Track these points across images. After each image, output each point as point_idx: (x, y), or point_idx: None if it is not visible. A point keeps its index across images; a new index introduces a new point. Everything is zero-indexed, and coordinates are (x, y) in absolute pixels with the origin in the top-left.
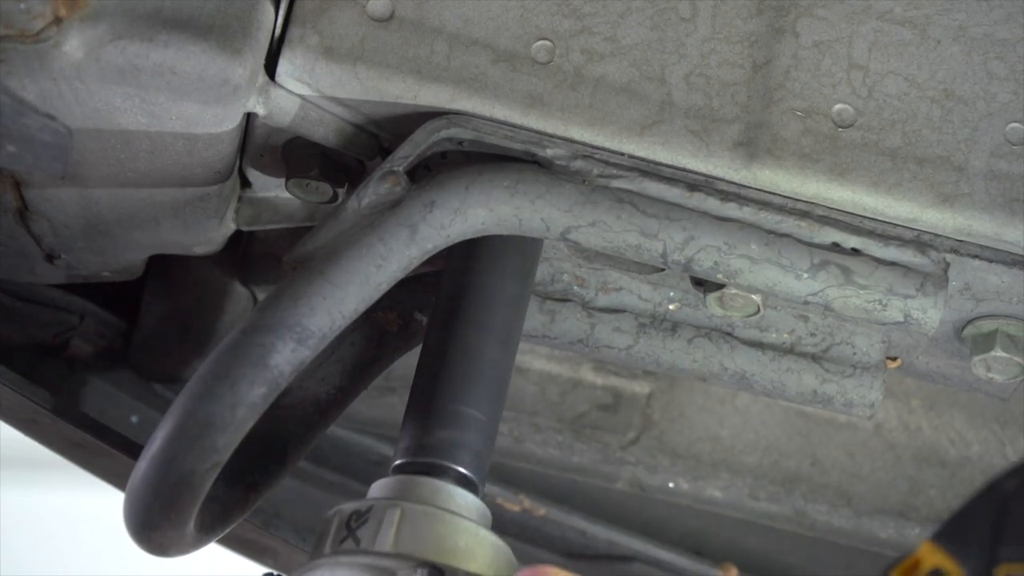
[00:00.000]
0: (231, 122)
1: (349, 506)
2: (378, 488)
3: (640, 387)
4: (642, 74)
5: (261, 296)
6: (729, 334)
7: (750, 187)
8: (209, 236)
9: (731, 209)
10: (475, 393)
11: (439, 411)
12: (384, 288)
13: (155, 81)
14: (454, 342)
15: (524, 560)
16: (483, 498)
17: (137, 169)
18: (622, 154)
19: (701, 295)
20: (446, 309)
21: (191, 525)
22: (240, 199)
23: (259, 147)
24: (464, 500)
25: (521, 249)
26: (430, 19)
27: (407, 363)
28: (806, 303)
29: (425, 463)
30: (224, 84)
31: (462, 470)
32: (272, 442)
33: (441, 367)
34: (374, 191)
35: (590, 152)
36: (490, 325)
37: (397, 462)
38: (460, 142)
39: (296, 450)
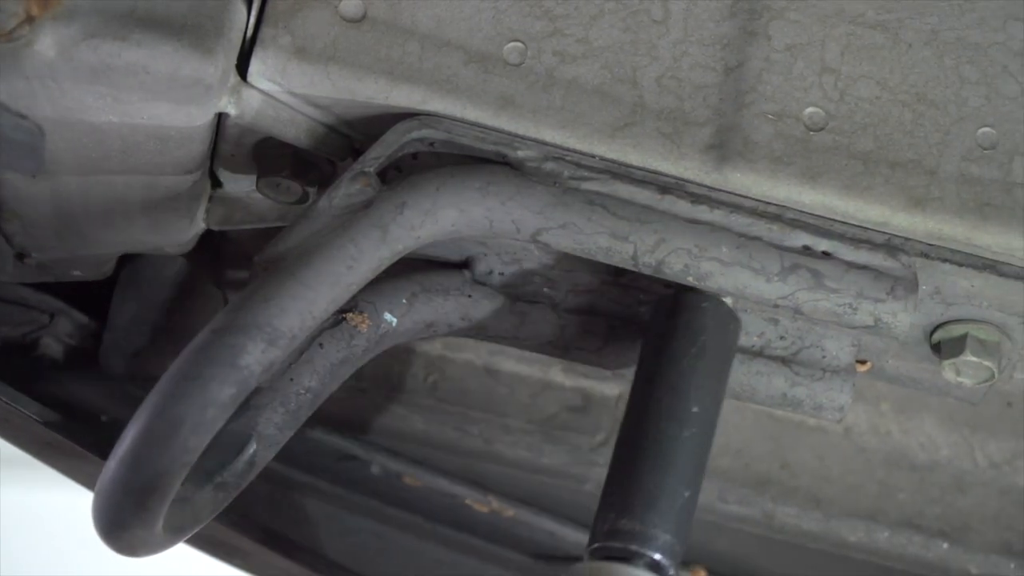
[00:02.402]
0: (203, 121)
1: None
2: (573, 573)
3: (610, 389)
4: (614, 76)
5: (232, 296)
6: None
7: (721, 190)
8: (180, 235)
9: (702, 212)
10: (672, 479)
11: (636, 497)
12: (355, 289)
13: (128, 80)
14: (652, 426)
15: (490, 560)
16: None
17: (109, 168)
18: (594, 156)
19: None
20: (645, 389)
21: (160, 525)
22: (211, 199)
23: (230, 147)
24: None
25: (723, 326)
26: (402, 20)
27: (378, 364)
28: (776, 306)
29: (621, 549)
30: (196, 84)
31: (656, 557)
32: (241, 442)
33: (639, 451)
34: (345, 192)
35: (561, 154)
36: (689, 409)
37: (593, 546)
38: (432, 143)
39: (266, 450)
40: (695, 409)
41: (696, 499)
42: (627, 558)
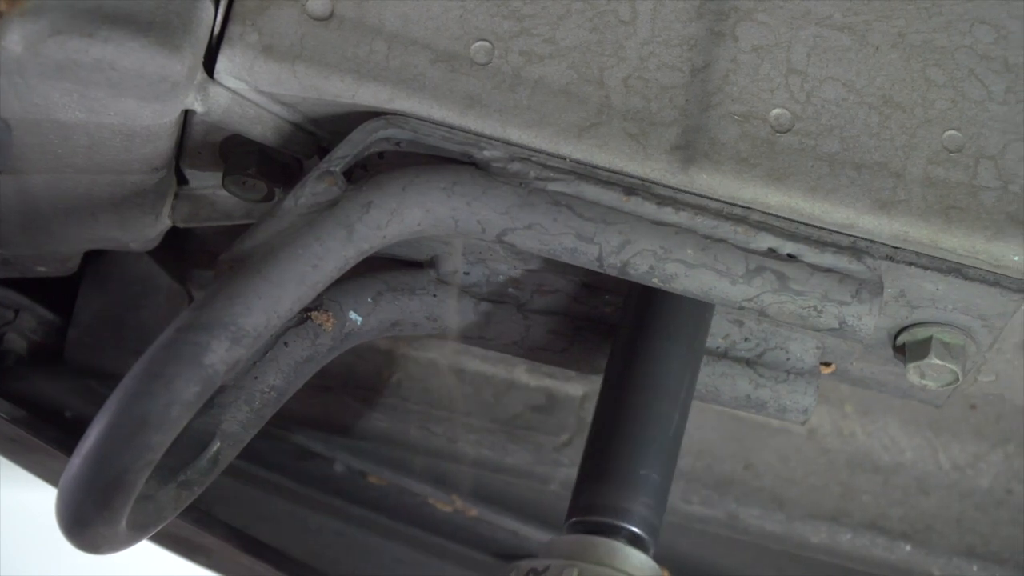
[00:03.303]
0: (169, 118)
1: (526, 564)
2: (554, 546)
3: (574, 389)
4: (581, 76)
5: (197, 294)
6: None
7: (687, 191)
8: (145, 232)
9: (667, 214)
10: (648, 454)
11: (613, 471)
12: (320, 288)
13: (95, 77)
14: (629, 402)
15: (453, 559)
16: (653, 556)
17: (75, 164)
18: (560, 156)
19: None
20: (621, 369)
21: (123, 522)
22: (177, 196)
23: (197, 144)
24: (637, 560)
25: (695, 312)
26: (370, 19)
27: (342, 362)
28: (741, 308)
29: (600, 522)
30: (163, 81)
31: (635, 530)
32: (205, 441)
33: (616, 427)
34: (311, 191)
35: (527, 154)
36: (664, 387)
37: (572, 520)
38: (398, 142)
39: (230, 448)
40: (672, 387)
41: (670, 480)
42: (606, 531)
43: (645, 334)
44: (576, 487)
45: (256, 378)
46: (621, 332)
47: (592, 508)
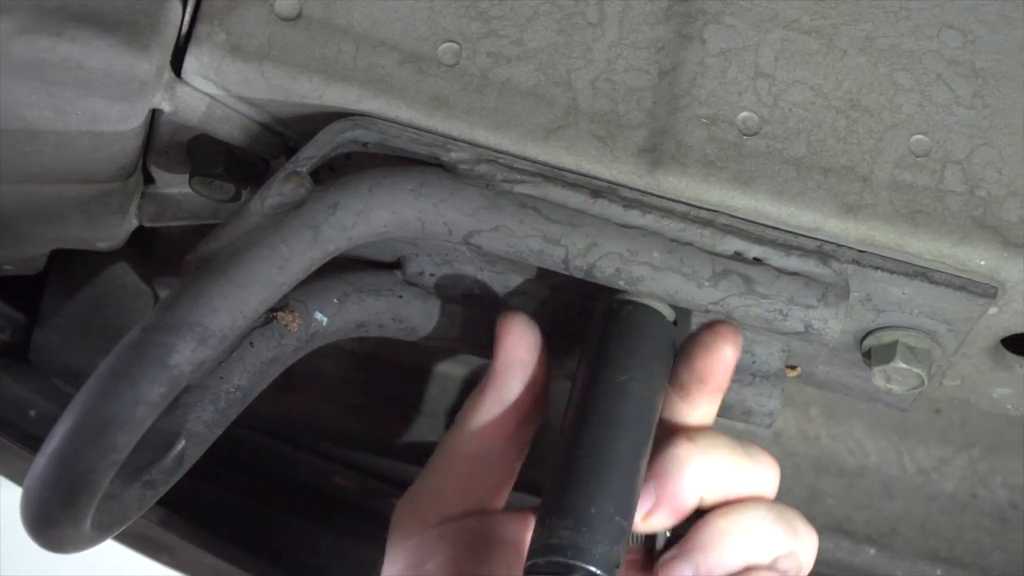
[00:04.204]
0: (136, 118)
1: None
2: None
3: None
4: (548, 78)
5: (163, 294)
6: None
7: (653, 194)
8: (112, 232)
9: (634, 216)
10: (606, 491)
11: (569, 510)
12: (286, 289)
13: (62, 76)
14: (588, 439)
15: None
16: None
17: (42, 164)
18: (527, 158)
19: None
20: (582, 402)
21: (88, 522)
22: (144, 195)
23: (164, 144)
24: None
25: (661, 343)
26: (338, 19)
27: (308, 362)
28: (707, 311)
29: (554, 563)
30: (130, 80)
31: (593, 569)
32: (170, 440)
33: (573, 465)
34: (278, 191)
35: (495, 156)
36: (625, 423)
37: (528, 563)
38: (365, 143)
39: (195, 448)
40: (632, 416)
41: (633, 509)
42: (566, 572)
43: (608, 370)
44: (534, 530)
45: (222, 378)
46: (584, 361)
47: (547, 549)
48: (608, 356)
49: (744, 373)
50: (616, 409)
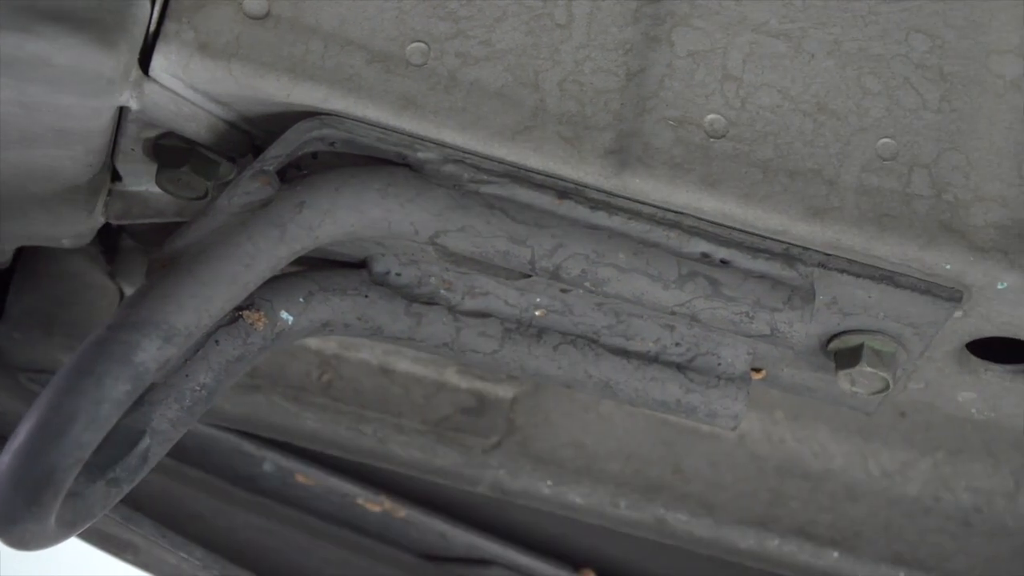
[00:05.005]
0: (104, 115)
1: None
2: None
3: (504, 391)
4: (516, 79)
5: (129, 291)
6: (594, 341)
7: (620, 195)
8: (78, 229)
9: (600, 218)
10: None
11: None
12: (252, 287)
13: (30, 72)
14: None
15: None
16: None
17: (9, 160)
18: (494, 159)
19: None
20: None
21: (52, 519)
22: (110, 192)
23: (131, 141)
24: None
25: None
26: (306, 18)
27: (272, 361)
28: (673, 313)
29: None
30: (98, 77)
31: None
32: (135, 438)
33: None
34: (244, 190)
35: (462, 156)
36: None
37: None
38: (332, 143)
39: (159, 446)
40: None
41: None
42: None
43: None
44: None
45: (187, 376)
46: None
47: None
48: None
49: (710, 375)
50: None
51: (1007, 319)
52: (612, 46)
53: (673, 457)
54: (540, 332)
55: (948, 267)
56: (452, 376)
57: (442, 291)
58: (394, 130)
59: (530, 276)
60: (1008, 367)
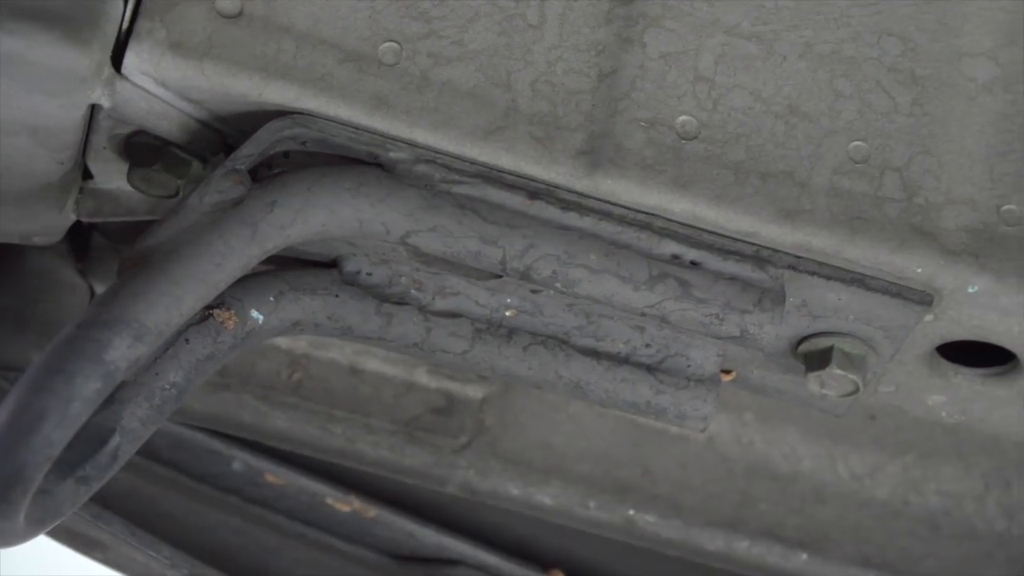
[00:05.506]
0: (76, 113)
1: None
2: None
3: (474, 392)
4: (488, 79)
5: (99, 289)
6: (565, 342)
7: (591, 196)
8: (49, 226)
9: (572, 218)
10: None
11: None
12: (223, 286)
13: (3, 69)
14: None
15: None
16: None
17: None
18: (466, 159)
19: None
20: None
21: (21, 517)
22: (81, 190)
23: (102, 139)
24: None
25: None
26: (279, 17)
27: (242, 360)
28: (643, 315)
29: None
30: (70, 75)
31: None
32: (105, 436)
33: None
34: (216, 189)
35: (434, 156)
36: None
37: None
38: (304, 142)
39: (129, 444)
40: None
41: None
42: None
43: None
44: None
45: (157, 375)
46: None
47: None
48: None
49: (679, 376)
50: None
51: (977, 323)
52: (584, 47)
53: (642, 458)
54: (510, 333)
55: (919, 270)
56: (422, 376)
57: (413, 291)
58: (366, 130)
59: (501, 277)
60: (978, 371)
